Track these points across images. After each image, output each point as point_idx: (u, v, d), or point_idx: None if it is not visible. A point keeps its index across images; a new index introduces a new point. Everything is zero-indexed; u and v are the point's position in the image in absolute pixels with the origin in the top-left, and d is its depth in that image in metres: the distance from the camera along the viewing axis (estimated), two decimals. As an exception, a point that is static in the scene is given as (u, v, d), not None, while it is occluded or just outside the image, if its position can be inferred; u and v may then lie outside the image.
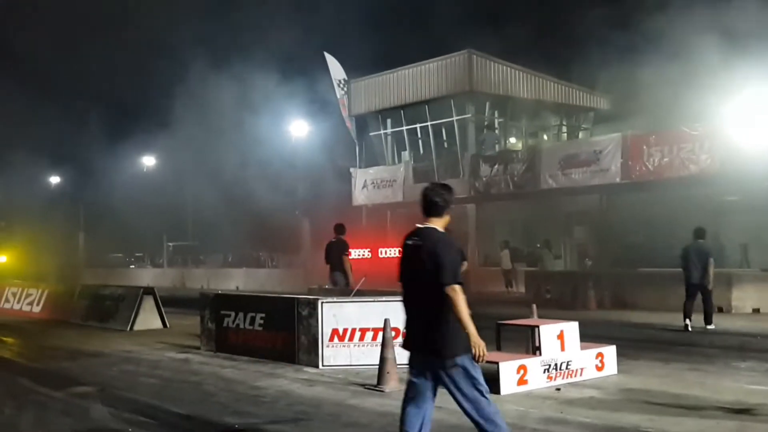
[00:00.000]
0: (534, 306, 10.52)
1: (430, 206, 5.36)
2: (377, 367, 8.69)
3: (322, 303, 10.22)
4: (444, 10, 45.58)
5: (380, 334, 8.95)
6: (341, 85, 33.78)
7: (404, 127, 31.79)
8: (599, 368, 9.15)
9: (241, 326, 11.47)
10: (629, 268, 20.98)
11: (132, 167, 47.58)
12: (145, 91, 64.03)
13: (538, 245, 25.55)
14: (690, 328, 13.85)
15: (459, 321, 5.03)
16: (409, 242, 5.36)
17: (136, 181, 44.52)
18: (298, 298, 10.86)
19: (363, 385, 8.84)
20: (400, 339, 9.56)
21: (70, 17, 47.33)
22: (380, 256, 25.93)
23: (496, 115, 31.27)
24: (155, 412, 7.91)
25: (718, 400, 7.74)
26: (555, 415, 7.31)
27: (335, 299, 10.69)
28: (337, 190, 33.22)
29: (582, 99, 32.65)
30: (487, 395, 5.22)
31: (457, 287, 5.06)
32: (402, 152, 32.29)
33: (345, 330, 10.07)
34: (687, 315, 14.02)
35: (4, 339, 15.02)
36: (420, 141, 31.76)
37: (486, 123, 30.76)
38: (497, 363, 8.16)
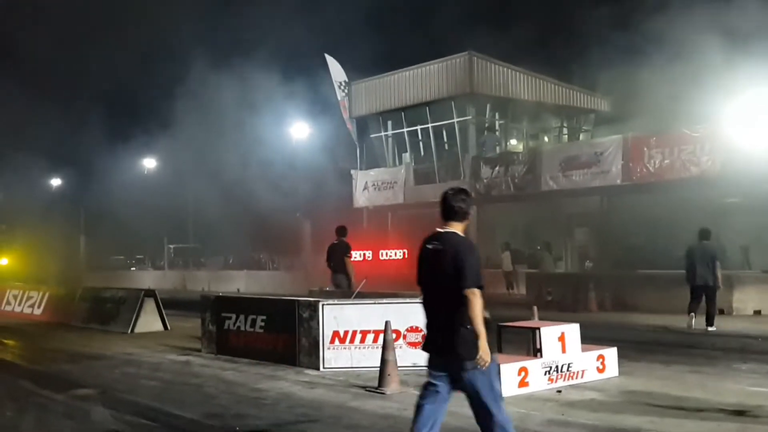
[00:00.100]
0: (535, 308, 10.54)
1: (450, 211, 5.38)
2: (378, 369, 8.69)
3: (322, 305, 10.22)
4: (445, 12, 45.61)
5: (381, 336, 8.95)
6: (342, 87, 33.76)
7: (405, 129, 31.78)
8: (600, 370, 9.14)
9: (242, 328, 11.47)
10: (630, 270, 20.93)
11: (133, 169, 47.63)
12: (146, 92, 64.19)
13: (539, 247, 25.51)
14: (693, 324, 13.89)
15: (471, 323, 5.05)
16: (429, 246, 5.36)
17: (136, 183, 44.55)
18: (298, 300, 10.84)
19: (364, 388, 8.84)
20: (401, 341, 9.70)
21: (70, 17, 47.38)
22: (381, 258, 25.90)
23: (497, 116, 31.26)
24: (156, 414, 7.91)
25: (719, 402, 7.73)
26: (556, 417, 7.31)
27: (336, 301, 10.69)
28: (338, 191, 33.22)
29: (583, 101, 32.65)
30: (502, 403, 5.23)
31: (477, 291, 5.10)
32: (403, 154, 32.28)
33: (346, 332, 10.07)
34: (692, 311, 14.16)
35: (6, 341, 15.02)
36: (421, 143, 31.74)
37: (487, 125, 30.79)
38: (498, 365, 8.14)
